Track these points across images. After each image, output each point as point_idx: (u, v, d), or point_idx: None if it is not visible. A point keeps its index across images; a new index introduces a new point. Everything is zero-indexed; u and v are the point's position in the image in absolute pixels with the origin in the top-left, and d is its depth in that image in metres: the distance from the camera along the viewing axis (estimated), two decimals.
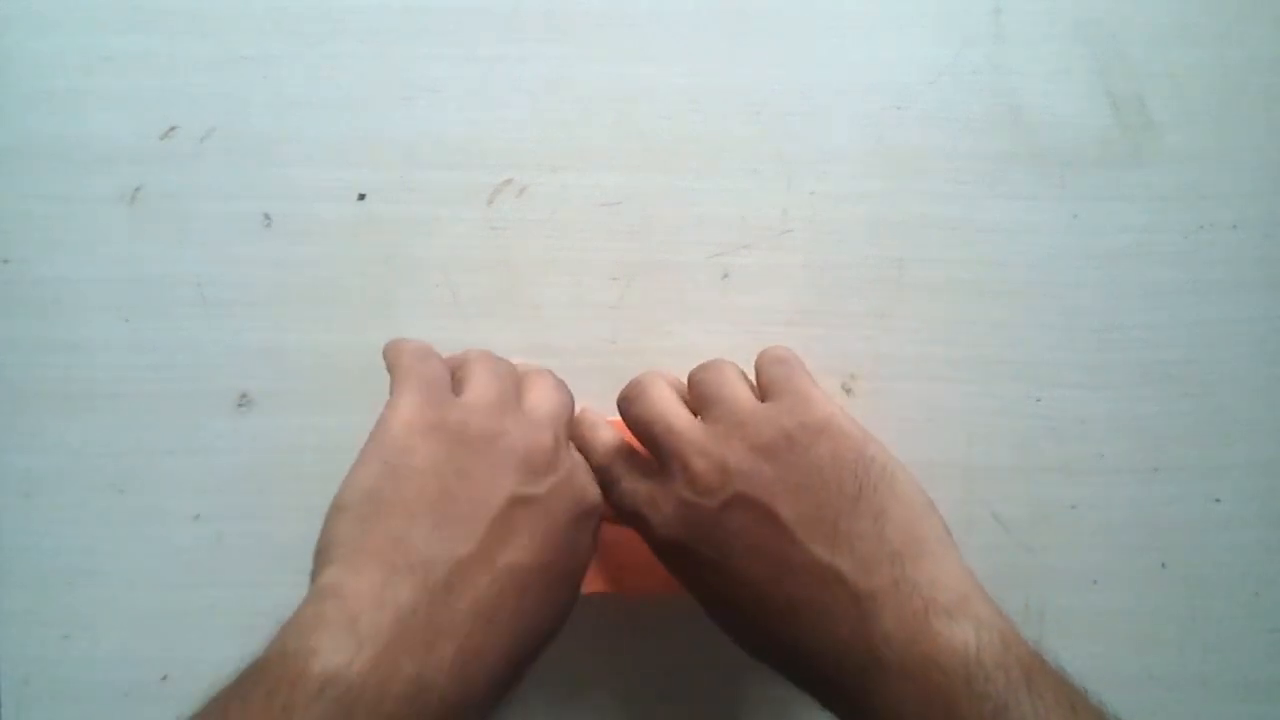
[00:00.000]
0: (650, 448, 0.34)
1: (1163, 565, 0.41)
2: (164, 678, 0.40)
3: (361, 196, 0.42)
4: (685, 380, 0.36)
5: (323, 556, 0.28)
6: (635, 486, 0.34)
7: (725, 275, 0.42)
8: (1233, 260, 0.42)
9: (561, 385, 0.35)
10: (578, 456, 0.34)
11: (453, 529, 0.29)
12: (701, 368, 0.35)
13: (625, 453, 0.36)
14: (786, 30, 0.42)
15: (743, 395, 0.33)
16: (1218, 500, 0.41)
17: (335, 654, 0.25)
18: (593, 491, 0.33)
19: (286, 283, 0.41)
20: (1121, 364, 0.41)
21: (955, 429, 0.41)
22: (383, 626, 0.26)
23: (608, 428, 0.37)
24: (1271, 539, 0.41)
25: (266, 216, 0.41)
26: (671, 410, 0.34)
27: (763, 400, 0.33)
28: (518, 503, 0.30)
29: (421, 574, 0.27)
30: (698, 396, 0.34)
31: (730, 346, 0.41)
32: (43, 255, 0.41)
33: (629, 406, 0.35)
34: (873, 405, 0.41)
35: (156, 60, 0.42)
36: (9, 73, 0.42)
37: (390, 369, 0.33)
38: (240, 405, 0.41)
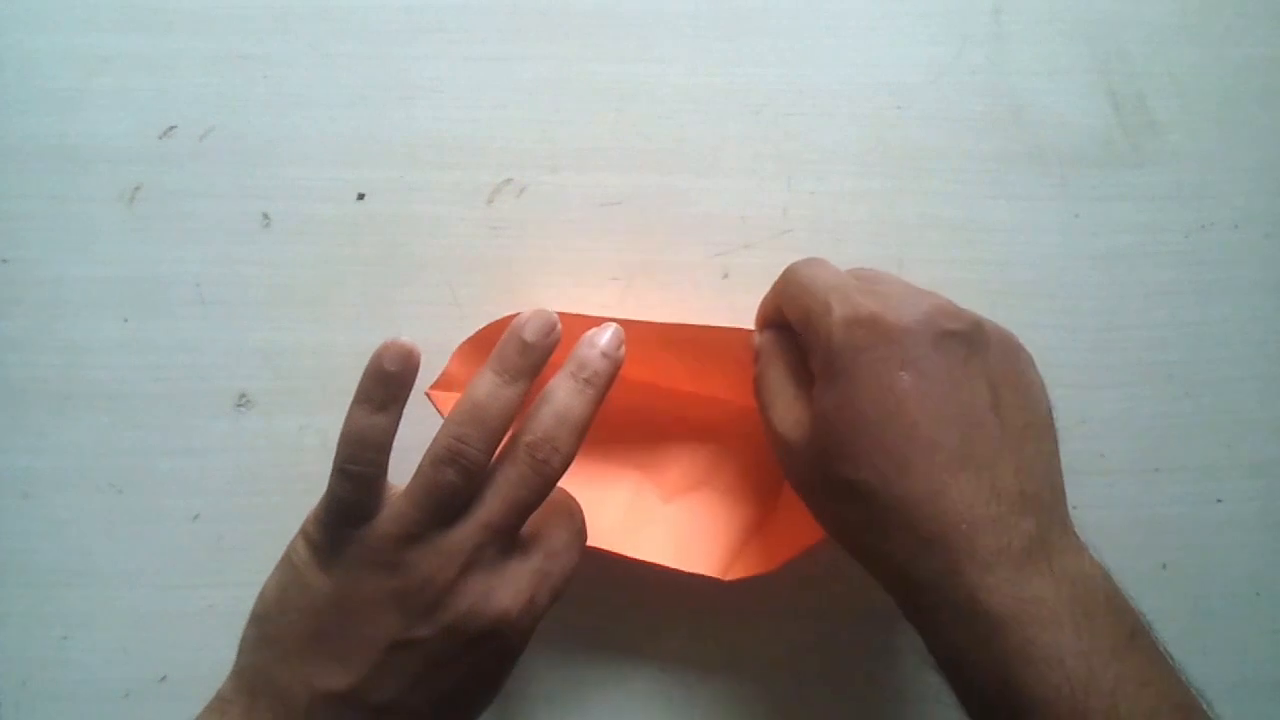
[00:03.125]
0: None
1: (1163, 565, 0.41)
2: (163, 678, 0.40)
3: (361, 196, 0.41)
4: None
5: (236, 658, 0.32)
6: (830, 274, 0.33)
7: (725, 275, 0.42)
8: (1233, 260, 0.42)
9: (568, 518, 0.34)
10: (518, 566, 0.31)
11: (322, 666, 0.30)
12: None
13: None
14: (786, 30, 0.42)
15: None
16: (1219, 500, 0.41)
17: None
18: (499, 617, 0.30)
19: (286, 283, 0.41)
20: (1121, 364, 0.41)
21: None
22: None
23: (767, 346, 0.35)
24: (1272, 539, 0.41)
25: (266, 216, 0.41)
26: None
27: None
28: (398, 647, 0.30)
29: (284, 702, 0.30)
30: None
31: None
32: (42, 255, 0.41)
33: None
34: None
35: (156, 60, 0.42)
36: (9, 73, 0.42)
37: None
38: (239, 405, 0.41)
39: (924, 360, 0.29)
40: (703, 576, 0.37)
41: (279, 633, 0.31)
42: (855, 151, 0.42)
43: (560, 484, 0.34)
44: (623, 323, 0.35)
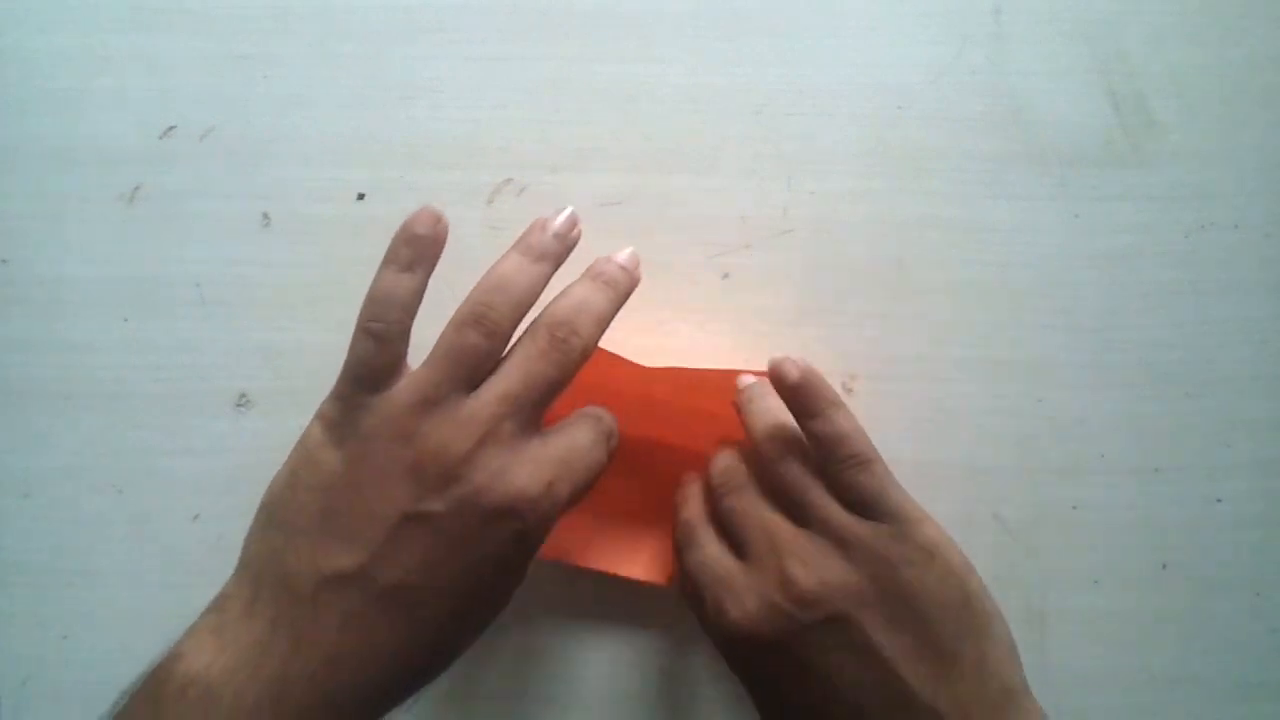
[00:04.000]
0: (737, 535, 0.33)
1: (1164, 566, 0.41)
2: None
3: (361, 196, 0.42)
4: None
5: (241, 554, 0.30)
6: (717, 561, 0.33)
7: (725, 275, 0.42)
8: (1233, 260, 0.42)
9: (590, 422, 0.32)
10: (538, 449, 0.30)
11: (331, 546, 0.28)
12: (782, 460, 0.33)
13: (710, 520, 0.35)
14: (786, 30, 0.42)
15: (834, 505, 0.32)
16: (1219, 500, 0.41)
17: (198, 657, 0.28)
18: (516, 495, 0.29)
19: (286, 283, 0.41)
20: (1121, 364, 0.41)
21: (956, 429, 0.41)
22: (245, 633, 0.28)
23: (697, 495, 0.36)
24: (1272, 539, 0.41)
25: (266, 216, 0.41)
26: (767, 508, 0.33)
27: (850, 508, 0.32)
28: (409, 520, 0.28)
29: (287, 589, 0.28)
30: (785, 496, 0.33)
31: (730, 346, 0.41)
32: (42, 255, 0.41)
33: (725, 495, 0.34)
34: (873, 405, 0.41)
35: (156, 60, 0.42)
36: (9, 73, 0.42)
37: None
38: (240, 405, 0.41)
39: (800, 665, 0.30)
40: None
41: (286, 515, 0.29)
42: (855, 151, 0.42)
43: (599, 513, 0.35)
44: (626, 363, 0.36)
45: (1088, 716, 0.40)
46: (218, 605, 0.29)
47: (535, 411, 0.30)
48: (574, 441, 0.31)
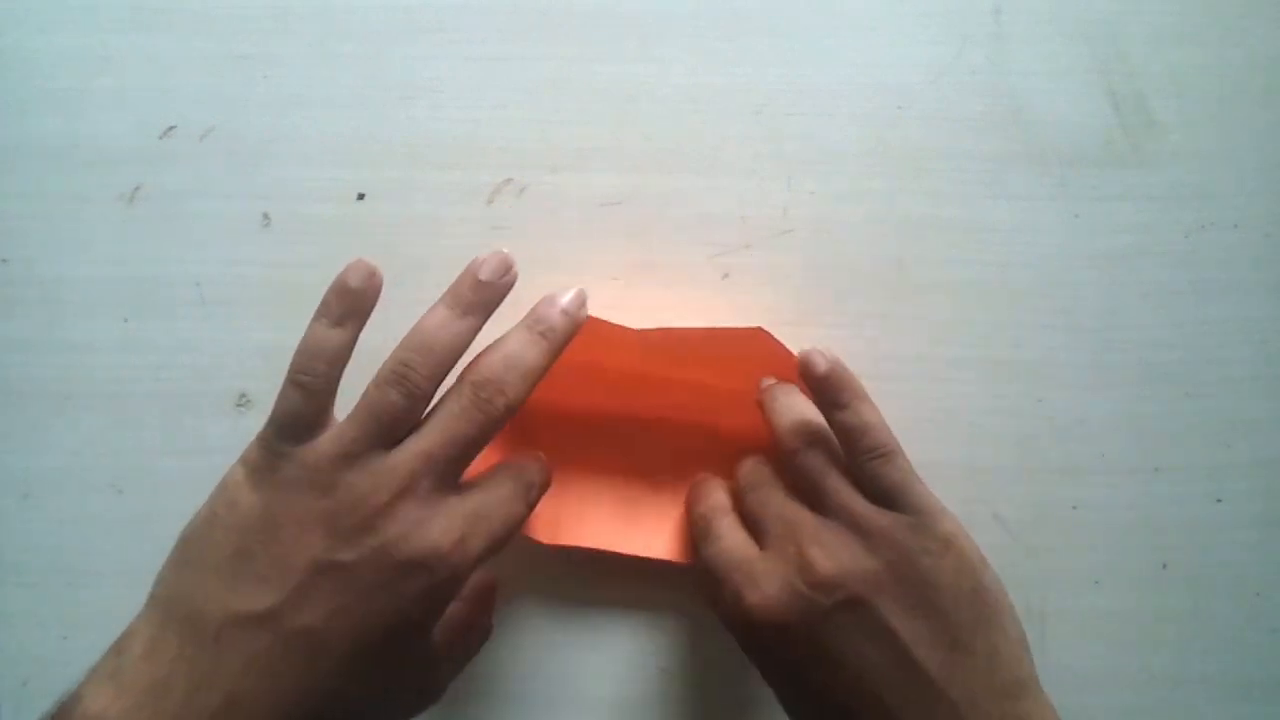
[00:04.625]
0: (758, 525, 0.34)
1: (1164, 565, 0.41)
2: None
3: (361, 196, 0.42)
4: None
5: (151, 591, 0.30)
6: (735, 549, 0.33)
7: (725, 275, 0.42)
8: (1233, 260, 0.42)
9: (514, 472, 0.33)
10: (453, 505, 0.30)
11: (242, 587, 0.29)
12: (805, 451, 0.34)
13: (729, 510, 0.35)
14: (786, 30, 0.42)
15: (855, 495, 0.32)
16: (1219, 500, 0.41)
17: (95, 700, 0.27)
18: (428, 549, 0.29)
19: (286, 283, 0.41)
20: (1121, 364, 0.41)
21: (956, 429, 0.41)
22: (144, 674, 0.28)
23: (714, 490, 0.36)
24: (1273, 539, 0.41)
25: (266, 216, 0.41)
26: (788, 498, 0.34)
27: (871, 499, 0.32)
28: (322, 568, 0.29)
29: (191, 627, 0.28)
30: (806, 485, 0.34)
31: None
32: (42, 255, 0.41)
33: (748, 491, 0.35)
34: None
35: (156, 60, 0.42)
36: (9, 73, 0.42)
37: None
38: (240, 405, 0.41)
39: (828, 647, 0.31)
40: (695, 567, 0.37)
41: (200, 553, 0.30)
42: (855, 151, 0.42)
43: (554, 471, 0.35)
44: (617, 327, 0.35)
45: (1088, 716, 0.40)
46: (120, 645, 0.29)
47: (453, 468, 0.31)
48: (490, 497, 0.32)
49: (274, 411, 0.31)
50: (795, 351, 0.35)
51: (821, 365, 0.33)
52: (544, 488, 0.34)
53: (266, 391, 0.41)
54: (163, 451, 0.41)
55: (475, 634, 0.36)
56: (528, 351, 0.31)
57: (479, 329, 0.32)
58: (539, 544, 0.37)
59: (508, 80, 0.42)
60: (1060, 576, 0.41)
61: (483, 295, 0.32)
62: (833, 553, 0.31)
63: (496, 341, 0.32)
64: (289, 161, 0.41)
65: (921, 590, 0.31)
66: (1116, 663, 0.41)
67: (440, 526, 0.30)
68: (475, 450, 0.31)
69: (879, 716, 0.30)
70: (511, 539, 0.32)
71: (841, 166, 0.42)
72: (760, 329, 0.35)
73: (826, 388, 0.33)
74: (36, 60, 0.42)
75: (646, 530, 0.38)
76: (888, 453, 0.32)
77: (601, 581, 0.38)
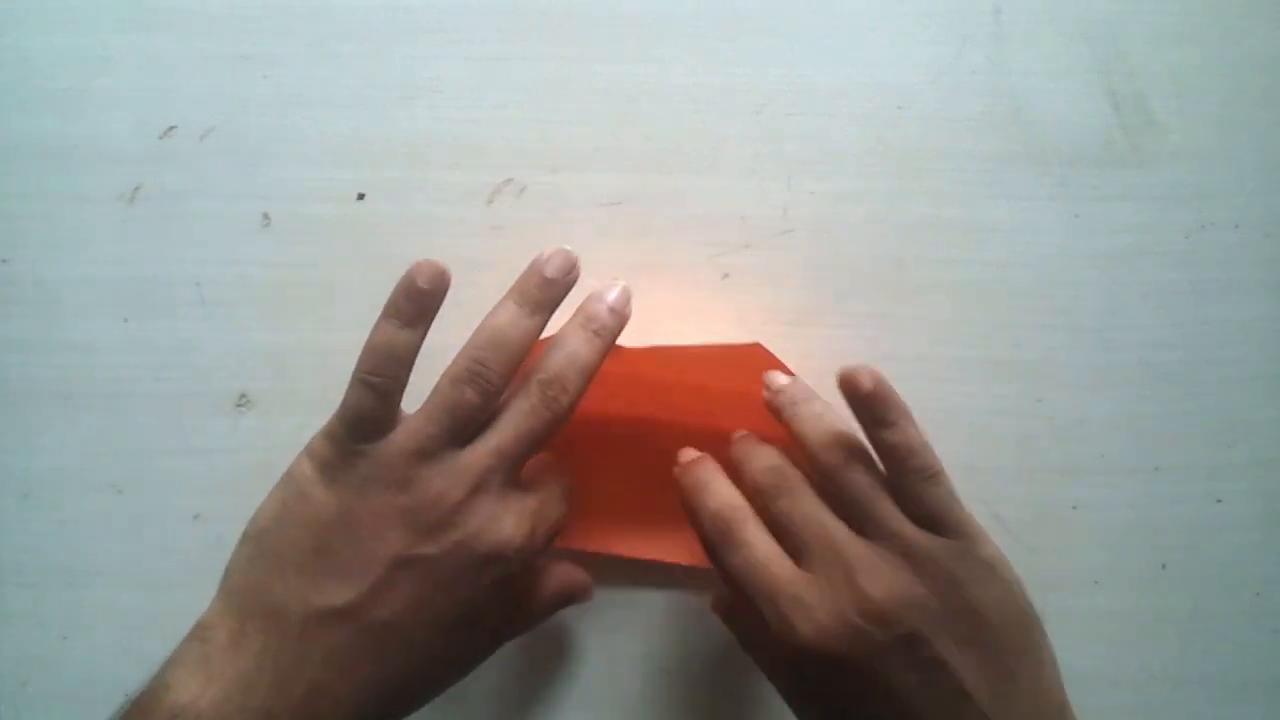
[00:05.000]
0: (793, 540, 0.32)
1: (1163, 566, 0.41)
2: None
3: (361, 196, 0.41)
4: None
5: (222, 583, 0.31)
6: (776, 567, 0.31)
7: (725, 275, 0.42)
8: (1233, 260, 0.42)
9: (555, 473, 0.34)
10: (519, 501, 0.32)
11: (323, 583, 0.29)
12: (848, 468, 0.32)
13: (750, 512, 0.33)
14: (786, 30, 0.42)
15: (901, 518, 0.31)
16: (1219, 500, 0.41)
17: (186, 689, 0.28)
18: (504, 542, 0.30)
19: (286, 283, 0.41)
20: (1121, 364, 0.41)
21: (956, 429, 0.41)
22: (231, 666, 0.29)
23: (720, 481, 0.34)
24: (1272, 539, 0.41)
25: (266, 216, 0.41)
26: (829, 515, 0.32)
27: (914, 521, 0.31)
28: (403, 562, 0.30)
29: (274, 621, 0.29)
30: (848, 505, 0.32)
31: None
32: (42, 255, 0.41)
33: (777, 496, 0.32)
34: None
35: (156, 60, 0.42)
36: (9, 73, 0.42)
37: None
38: (240, 405, 0.41)
39: (871, 683, 0.29)
40: (708, 570, 0.37)
41: (276, 548, 0.30)
42: (855, 151, 0.42)
43: (574, 490, 0.35)
44: (631, 351, 0.36)
45: (1088, 716, 0.40)
46: (201, 635, 0.30)
47: (520, 465, 0.32)
48: (549, 495, 0.33)
49: (343, 409, 0.31)
50: (791, 368, 0.35)
51: (867, 383, 0.32)
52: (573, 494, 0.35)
53: (266, 391, 0.41)
54: (163, 451, 0.40)
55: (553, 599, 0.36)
56: (585, 350, 0.32)
57: (545, 324, 0.32)
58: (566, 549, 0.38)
59: (508, 80, 0.42)
60: (1060, 576, 0.41)
61: (549, 293, 0.32)
62: (887, 583, 0.30)
63: (555, 340, 0.33)
64: (289, 161, 0.41)
65: (970, 620, 0.30)
66: (1116, 663, 0.41)
67: (513, 521, 0.31)
68: (540, 446, 0.32)
69: None
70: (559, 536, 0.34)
71: (841, 166, 0.42)
72: (757, 344, 0.35)
73: (872, 404, 0.32)
74: (36, 60, 0.42)
75: (660, 535, 0.38)
76: (934, 473, 0.32)
77: (602, 582, 0.38)
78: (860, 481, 0.32)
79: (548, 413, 0.31)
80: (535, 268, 0.33)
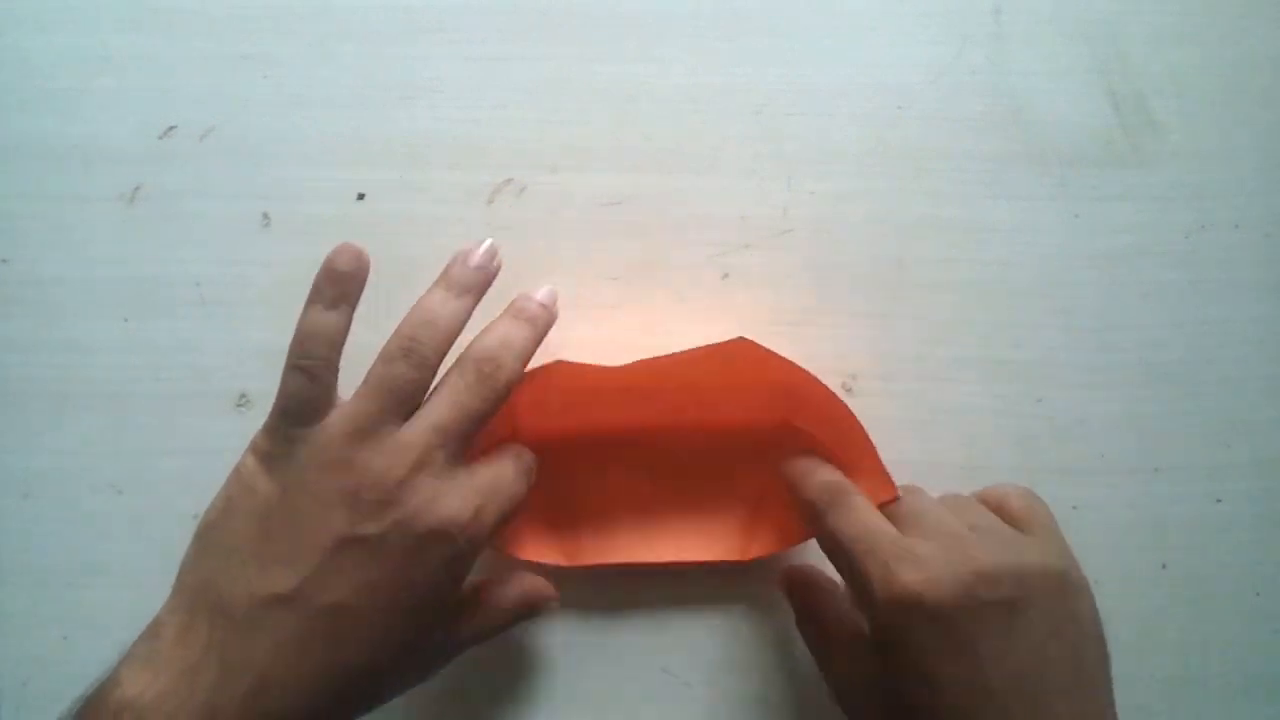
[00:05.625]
0: (899, 521, 0.33)
1: (1164, 566, 0.41)
2: None
3: (361, 196, 0.42)
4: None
5: (175, 581, 0.31)
6: (883, 528, 0.32)
7: (725, 275, 0.42)
8: (1233, 260, 0.42)
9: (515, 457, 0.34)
10: (467, 478, 0.31)
11: (265, 570, 0.29)
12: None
13: (856, 488, 0.34)
14: (786, 30, 0.42)
15: (993, 516, 0.33)
16: (1219, 501, 0.41)
17: (133, 684, 0.28)
18: (449, 519, 0.30)
19: (286, 283, 0.41)
20: (1121, 364, 0.41)
21: (955, 429, 0.41)
22: (177, 659, 0.29)
23: (823, 462, 0.35)
24: (1273, 539, 0.41)
25: (266, 216, 0.41)
26: (930, 497, 0.34)
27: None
28: (346, 543, 0.29)
29: (221, 612, 0.29)
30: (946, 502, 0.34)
31: None
32: (42, 255, 0.41)
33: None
34: (873, 405, 0.41)
35: (156, 60, 0.42)
36: (9, 73, 0.42)
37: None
38: (240, 405, 0.41)
39: (967, 640, 0.30)
40: (724, 563, 0.38)
41: (221, 540, 0.30)
42: (855, 151, 0.42)
43: (568, 496, 0.36)
44: (596, 369, 0.36)
45: None
46: (152, 631, 0.30)
47: (463, 442, 0.32)
48: (499, 472, 0.33)
49: (278, 398, 0.31)
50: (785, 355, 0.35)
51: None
52: (534, 475, 0.35)
53: (266, 391, 0.41)
54: (163, 451, 0.40)
55: (513, 610, 0.35)
56: (517, 332, 0.33)
57: (473, 310, 0.33)
58: (562, 567, 0.38)
59: (508, 80, 0.42)
60: None
61: (475, 278, 0.33)
62: (994, 550, 0.31)
63: (486, 328, 0.33)
64: (289, 161, 0.41)
65: (1064, 617, 0.31)
66: (1116, 662, 0.40)
67: (458, 498, 0.31)
68: (481, 425, 0.32)
69: None
70: (515, 516, 0.33)
71: (841, 166, 0.42)
72: (743, 339, 0.35)
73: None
74: (36, 60, 0.42)
75: (672, 536, 0.38)
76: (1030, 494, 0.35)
77: (602, 582, 0.38)
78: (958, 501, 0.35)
79: (485, 389, 0.32)
80: (459, 257, 0.34)
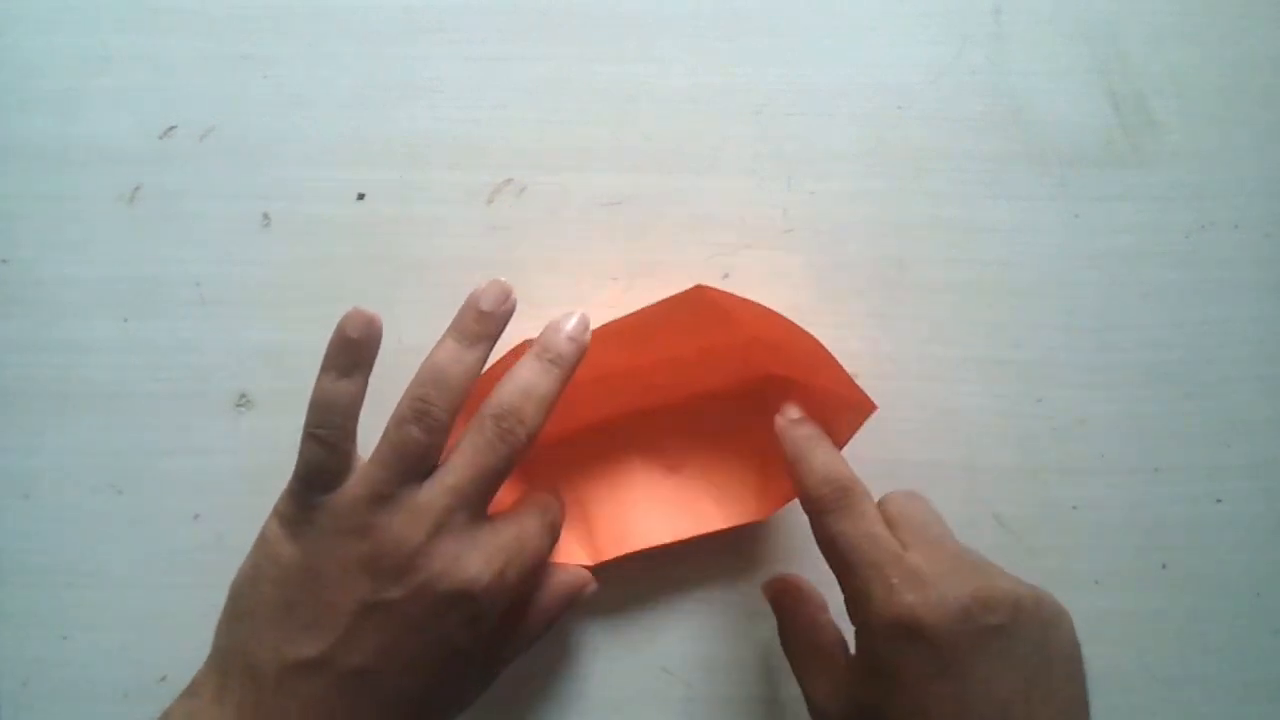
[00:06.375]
0: (900, 534, 0.32)
1: (1164, 566, 0.41)
2: (163, 678, 0.40)
3: (361, 196, 0.41)
4: None
5: (212, 643, 0.32)
6: (889, 541, 0.32)
7: (725, 275, 0.42)
8: (1233, 260, 0.42)
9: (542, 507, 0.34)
10: (489, 537, 0.32)
11: (294, 635, 0.30)
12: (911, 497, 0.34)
13: (868, 491, 0.33)
14: (786, 30, 0.42)
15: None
16: (1219, 500, 0.41)
17: None
18: (470, 580, 0.30)
19: (286, 283, 0.41)
20: (1121, 364, 0.41)
21: (955, 429, 0.41)
22: (214, 718, 0.30)
23: (834, 450, 0.35)
24: (1273, 539, 0.41)
25: (266, 216, 0.41)
26: (931, 507, 0.34)
27: None
28: (369, 609, 0.30)
29: (251, 677, 0.30)
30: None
31: None
32: (42, 255, 0.41)
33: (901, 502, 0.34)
34: None
35: (156, 60, 0.42)
36: (9, 73, 0.42)
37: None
38: (240, 405, 0.41)
39: (960, 665, 0.29)
40: (739, 529, 0.38)
41: (249, 607, 0.31)
42: (855, 151, 0.42)
43: (580, 496, 0.36)
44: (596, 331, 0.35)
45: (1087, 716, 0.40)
46: (191, 690, 0.31)
47: (482, 500, 0.32)
48: (523, 529, 0.33)
49: (298, 465, 0.31)
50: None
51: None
52: (560, 529, 0.35)
53: (266, 391, 0.41)
54: (163, 451, 0.40)
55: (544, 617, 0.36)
56: (541, 380, 0.32)
57: (486, 357, 0.33)
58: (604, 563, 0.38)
59: (508, 80, 0.42)
60: (1060, 576, 0.40)
61: (486, 326, 0.32)
62: (989, 577, 0.31)
63: (510, 374, 0.33)
64: (289, 161, 0.41)
65: (1049, 644, 0.30)
66: (1116, 663, 0.41)
67: (480, 559, 0.31)
68: (500, 480, 0.32)
69: None
70: (539, 571, 0.33)
71: (841, 166, 0.42)
72: (700, 286, 0.35)
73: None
74: (36, 60, 0.42)
75: (689, 511, 0.39)
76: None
77: (602, 581, 0.38)
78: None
79: (504, 446, 0.31)
80: (470, 303, 0.33)
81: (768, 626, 0.40)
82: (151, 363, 0.41)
